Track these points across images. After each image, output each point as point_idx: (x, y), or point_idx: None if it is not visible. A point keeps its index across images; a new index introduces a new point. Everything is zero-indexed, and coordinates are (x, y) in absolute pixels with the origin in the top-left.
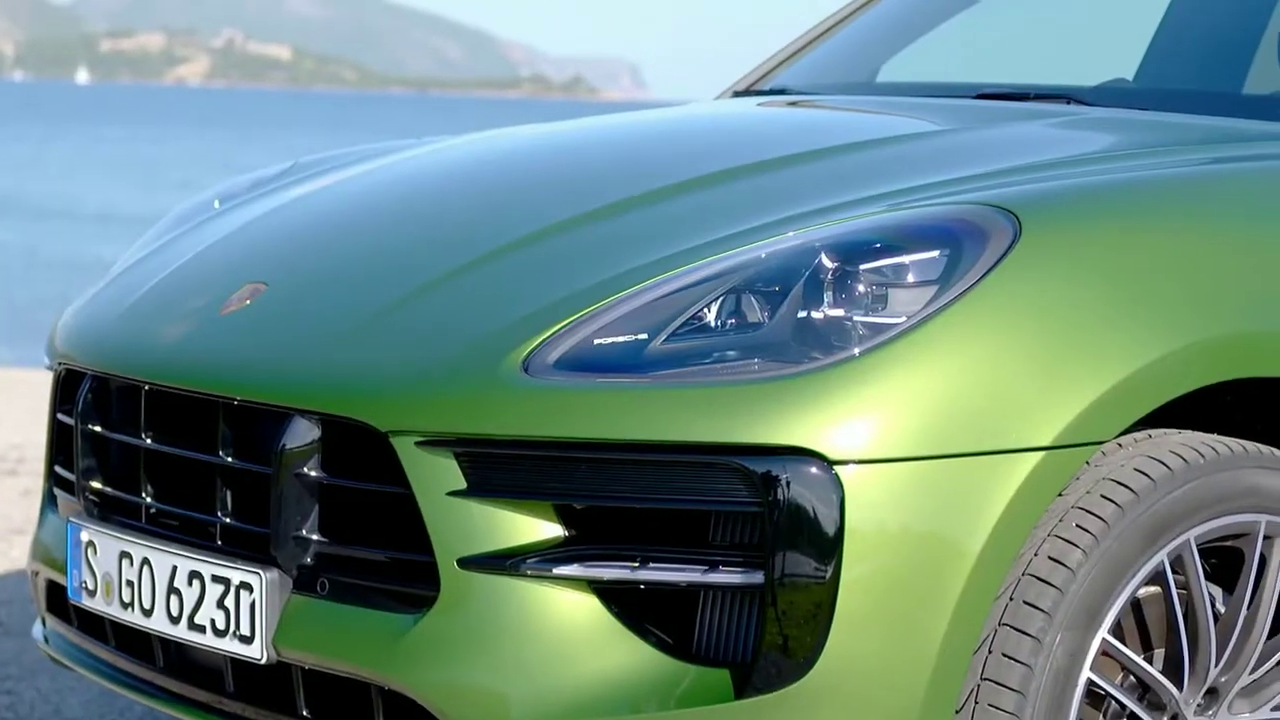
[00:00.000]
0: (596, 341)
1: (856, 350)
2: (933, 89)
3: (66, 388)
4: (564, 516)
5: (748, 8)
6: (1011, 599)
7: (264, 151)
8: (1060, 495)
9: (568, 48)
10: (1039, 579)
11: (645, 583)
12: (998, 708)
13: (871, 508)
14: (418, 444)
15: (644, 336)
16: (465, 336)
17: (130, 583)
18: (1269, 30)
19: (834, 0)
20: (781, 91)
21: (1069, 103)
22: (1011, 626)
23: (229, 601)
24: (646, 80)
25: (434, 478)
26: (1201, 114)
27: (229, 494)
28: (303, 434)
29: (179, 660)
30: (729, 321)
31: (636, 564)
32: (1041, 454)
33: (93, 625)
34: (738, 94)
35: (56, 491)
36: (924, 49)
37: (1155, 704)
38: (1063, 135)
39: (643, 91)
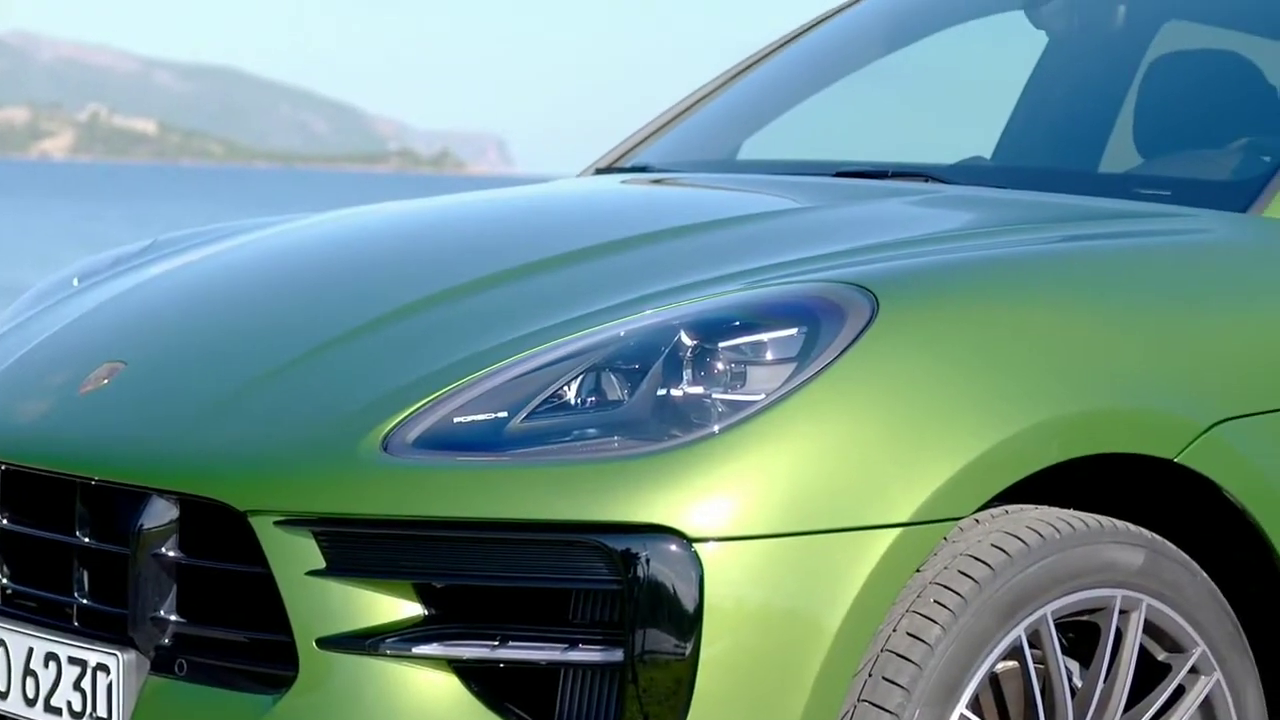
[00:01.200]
0: (456, 420)
1: (716, 428)
2: (792, 167)
3: None
4: (424, 595)
5: (614, 85)
6: (870, 675)
7: (128, 225)
8: (918, 571)
9: (435, 122)
10: (898, 655)
11: (505, 661)
12: None
13: (731, 585)
14: (276, 523)
15: (504, 415)
16: (324, 415)
17: None
18: (1124, 110)
19: (699, 79)
20: (643, 169)
21: (927, 180)
22: (870, 703)
23: (85, 683)
24: (513, 155)
25: (293, 557)
26: (1058, 192)
27: (86, 575)
28: (160, 514)
29: None
30: (589, 399)
31: (496, 643)
32: (899, 530)
33: None
34: (600, 171)
35: None
36: (784, 127)
37: None
38: (921, 213)
39: (509, 166)
